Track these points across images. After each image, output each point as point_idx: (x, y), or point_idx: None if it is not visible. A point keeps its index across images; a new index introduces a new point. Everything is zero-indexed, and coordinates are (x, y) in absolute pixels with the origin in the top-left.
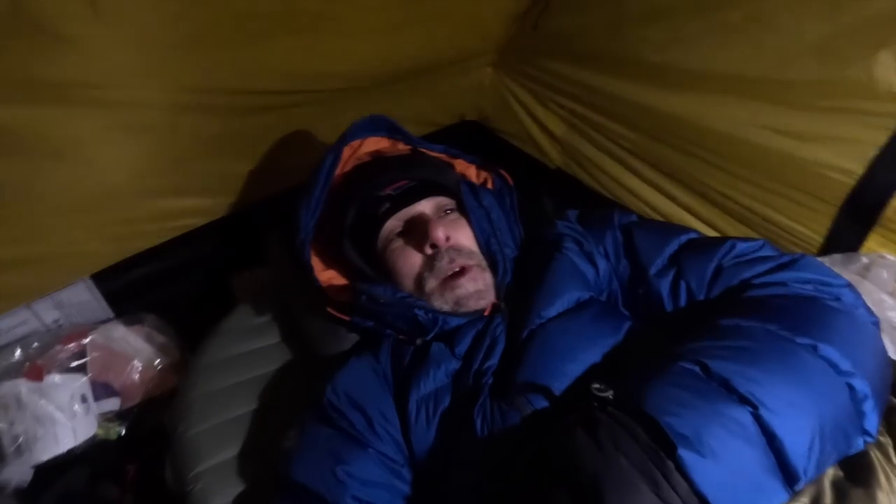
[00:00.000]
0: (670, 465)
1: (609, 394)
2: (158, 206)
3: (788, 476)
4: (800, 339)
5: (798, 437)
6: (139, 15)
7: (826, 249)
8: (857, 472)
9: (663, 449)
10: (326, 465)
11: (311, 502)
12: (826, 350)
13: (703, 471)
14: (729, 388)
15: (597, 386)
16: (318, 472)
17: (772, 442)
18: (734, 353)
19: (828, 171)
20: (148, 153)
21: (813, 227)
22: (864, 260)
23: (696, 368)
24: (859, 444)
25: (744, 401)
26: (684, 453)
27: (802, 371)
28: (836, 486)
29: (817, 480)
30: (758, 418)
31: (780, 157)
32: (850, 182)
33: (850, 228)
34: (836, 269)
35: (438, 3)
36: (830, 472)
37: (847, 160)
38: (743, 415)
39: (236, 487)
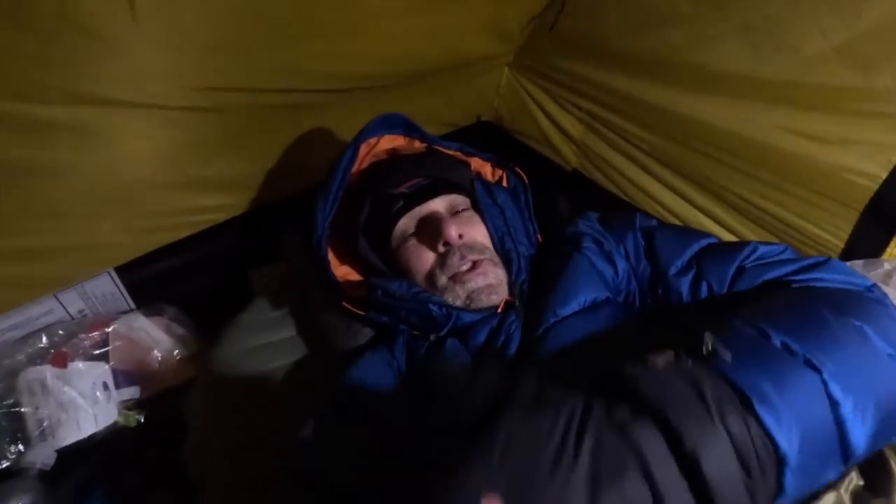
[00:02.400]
0: (752, 420)
1: (716, 344)
2: (183, 201)
3: (846, 448)
4: (847, 319)
5: (858, 408)
6: (174, 17)
7: (847, 255)
8: (876, 482)
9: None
10: (341, 457)
11: (325, 493)
12: (871, 331)
13: (782, 427)
14: (791, 352)
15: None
16: (333, 463)
17: (835, 409)
18: (790, 320)
19: (850, 174)
20: (174, 149)
21: (834, 232)
22: (887, 266)
23: (756, 332)
24: None
25: (808, 364)
26: (762, 409)
27: (860, 342)
28: (856, 496)
29: (836, 492)
30: (823, 383)
31: (802, 160)
32: (873, 186)
33: (873, 233)
34: None
35: (457, 5)
36: (850, 483)
37: (870, 164)
38: (810, 376)
39: (252, 476)
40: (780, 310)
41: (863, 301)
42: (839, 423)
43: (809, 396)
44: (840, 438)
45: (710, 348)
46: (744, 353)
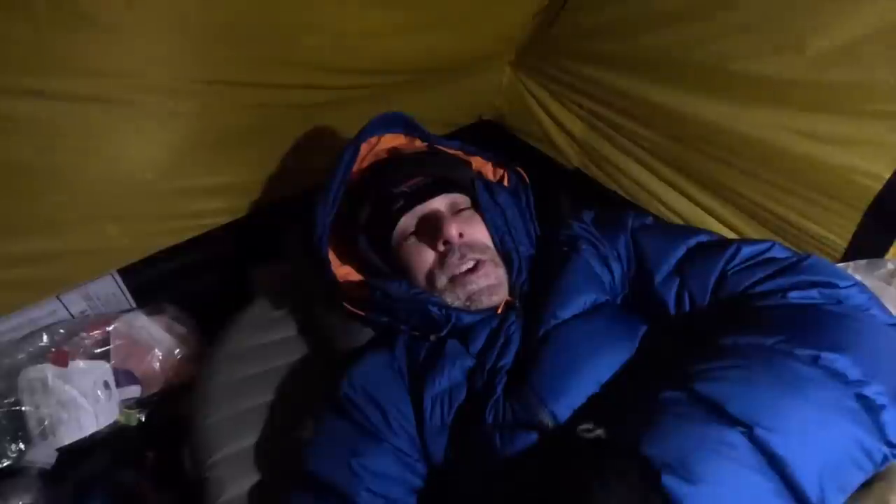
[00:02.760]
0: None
1: (598, 434)
2: (186, 205)
3: (801, 499)
4: (799, 351)
5: (803, 456)
6: (170, 6)
7: (850, 255)
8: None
9: (655, 487)
10: (342, 457)
11: (326, 493)
12: (829, 359)
13: (696, 499)
14: (719, 412)
15: (584, 427)
16: (333, 463)
17: (772, 463)
18: (727, 374)
19: (853, 174)
20: (178, 151)
21: (837, 232)
22: (890, 266)
23: (684, 395)
24: (884, 457)
25: (736, 422)
26: (669, 480)
27: (801, 385)
28: None
29: None
30: (753, 439)
31: (805, 159)
32: (877, 186)
33: (876, 233)
34: (861, 275)
35: (459, 3)
36: None
37: (873, 163)
38: (735, 437)
39: (252, 476)
40: (724, 357)
41: (828, 318)
42: (785, 479)
43: (732, 457)
44: (789, 490)
45: (591, 434)
46: (663, 421)
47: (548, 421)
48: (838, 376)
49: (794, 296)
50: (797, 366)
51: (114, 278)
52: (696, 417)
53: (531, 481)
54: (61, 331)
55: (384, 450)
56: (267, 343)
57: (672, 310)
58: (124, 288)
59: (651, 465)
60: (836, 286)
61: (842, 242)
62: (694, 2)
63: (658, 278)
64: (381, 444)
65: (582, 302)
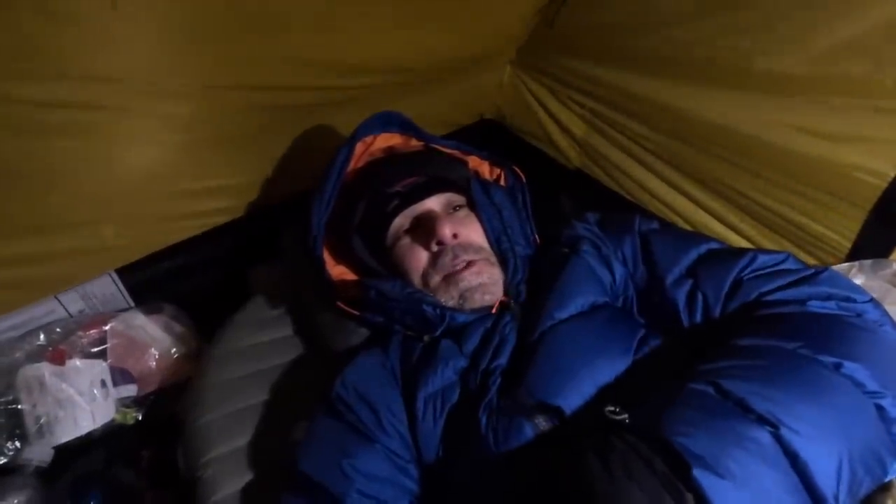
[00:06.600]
0: (689, 496)
1: (624, 417)
2: (184, 206)
3: (817, 501)
4: (822, 358)
5: (823, 458)
6: (156, 8)
7: (854, 255)
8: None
9: (681, 477)
10: (333, 458)
11: (318, 494)
12: (851, 368)
13: (723, 493)
14: (745, 408)
15: (610, 409)
16: (325, 464)
17: (795, 463)
18: (751, 373)
19: (858, 172)
20: (173, 153)
21: (841, 232)
22: (895, 266)
23: (710, 389)
24: (893, 468)
25: (762, 420)
26: (700, 474)
27: (825, 390)
28: None
29: None
30: (778, 438)
31: (808, 158)
32: (882, 184)
33: (881, 233)
34: (865, 276)
35: (459, 2)
36: None
37: (879, 162)
38: (762, 434)
39: (245, 476)
40: (745, 357)
41: (849, 330)
42: (805, 480)
43: (758, 454)
44: (807, 490)
45: (616, 417)
46: (691, 413)
47: (538, 418)
48: (858, 385)
49: (814, 305)
50: (822, 371)
51: (111, 278)
52: (723, 412)
53: (526, 480)
54: (58, 329)
55: (376, 451)
56: (262, 343)
57: (682, 310)
58: (122, 287)
59: (681, 456)
60: (853, 300)
61: (846, 242)
62: (696, 0)
63: (670, 279)
64: (373, 446)
65: (580, 303)
